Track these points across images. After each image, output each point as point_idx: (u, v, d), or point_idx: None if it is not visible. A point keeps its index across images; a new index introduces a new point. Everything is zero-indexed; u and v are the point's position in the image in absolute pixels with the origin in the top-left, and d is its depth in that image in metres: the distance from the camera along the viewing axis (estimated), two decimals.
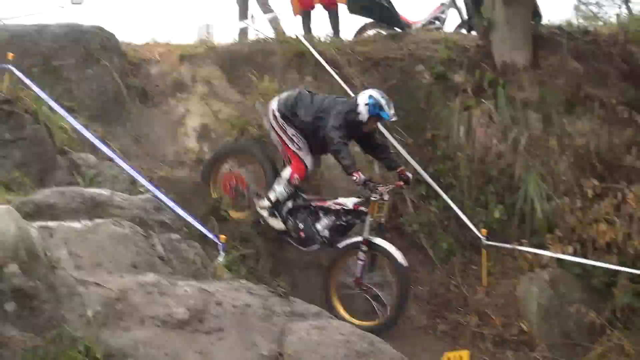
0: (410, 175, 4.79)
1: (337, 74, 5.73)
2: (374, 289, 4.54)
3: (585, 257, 4.90)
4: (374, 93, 4.69)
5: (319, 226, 4.71)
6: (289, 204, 4.83)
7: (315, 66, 5.95)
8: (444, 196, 5.19)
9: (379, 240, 4.53)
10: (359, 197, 4.71)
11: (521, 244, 4.95)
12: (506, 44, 5.59)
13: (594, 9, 8.15)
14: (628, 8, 7.92)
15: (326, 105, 4.65)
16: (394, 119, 4.73)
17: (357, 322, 4.25)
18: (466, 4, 6.81)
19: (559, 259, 4.92)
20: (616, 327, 4.76)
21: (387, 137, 5.23)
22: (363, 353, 3.24)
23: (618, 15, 7.32)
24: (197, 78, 6.10)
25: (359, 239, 4.54)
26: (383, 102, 4.57)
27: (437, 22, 7.12)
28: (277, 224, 4.81)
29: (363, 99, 4.59)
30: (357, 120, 4.56)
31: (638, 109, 5.39)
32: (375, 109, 4.57)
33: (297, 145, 4.73)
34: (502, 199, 5.26)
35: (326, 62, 5.80)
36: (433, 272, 5.16)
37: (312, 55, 5.85)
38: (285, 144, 4.75)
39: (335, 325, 3.52)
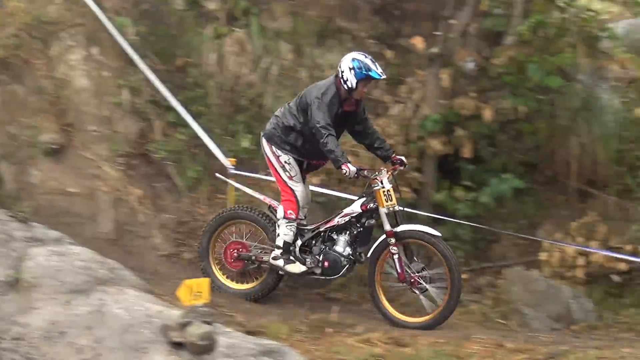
0: (403, 158, 7.78)
1: None
2: (422, 280, 7.36)
3: (328, 185, 8.83)
4: (357, 55, 7.38)
5: (338, 248, 7.50)
6: (298, 243, 7.60)
7: None
8: (193, 124, 8.67)
9: (402, 227, 7.31)
10: (362, 197, 7.52)
11: (267, 174, 8.54)
12: None
13: None
14: None
15: (304, 99, 7.30)
16: (384, 76, 7.41)
17: (420, 319, 7.41)
18: None
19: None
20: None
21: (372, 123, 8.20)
22: (103, 279, 5.19)
23: None
24: None
25: (382, 236, 7.32)
26: (369, 61, 7.23)
27: None
28: (297, 268, 7.53)
29: (346, 63, 7.22)
30: (342, 94, 7.27)
31: (387, 43, 9.58)
32: (362, 71, 7.21)
33: (289, 173, 7.49)
34: (251, 129, 8.98)
35: None
36: (180, 201, 8.74)
37: None
38: (277, 172, 7.55)
39: (75, 251, 5.37)
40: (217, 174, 8.97)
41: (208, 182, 9.11)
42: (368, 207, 7.44)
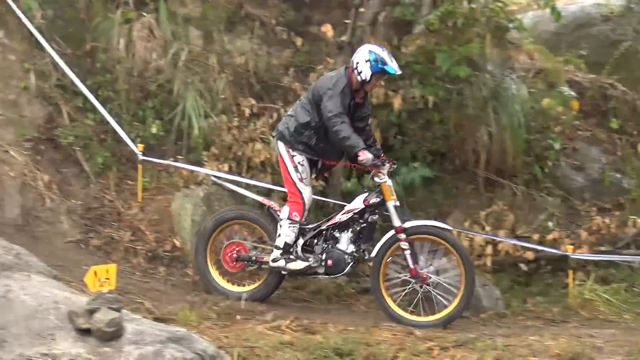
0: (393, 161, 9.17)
1: None
2: (433, 276, 8.70)
3: (240, 175, 10.51)
4: (373, 47, 8.73)
5: (341, 246, 8.84)
6: (300, 242, 8.92)
7: None
8: (102, 109, 10.53)
9: (411, 223, 8.65)
10: (364, 192, 8.98)
11: (177, 160, 10.52)
12: None
13: None
14: None
15: (316, 92, 8.67)
16: (399, 72, 8.73)
17: (433, 317, 8.82)
18: None
19: (215, 177, 10.32)
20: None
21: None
22: (9, 265, 5.64)
23: None
24: None
25: (391, 232, 8.65)
26: (385, 55, 8.53)
27: None
28: (298, 264, 8.85)
29: (362, 55, 8.56)
30: (353, 85, 8.70)
31: (296, 30, 11.52)
32: (378, 65, 8.50)
33: (300, 175, 8.83)
34: (160, 115, 10.81)
35: None
36: (88, 187, 10.44)
37: None
38: (288, 173, 8.90)
39: None
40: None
41: (117, 168, 10.70)
42: (370, 202, 8.84)
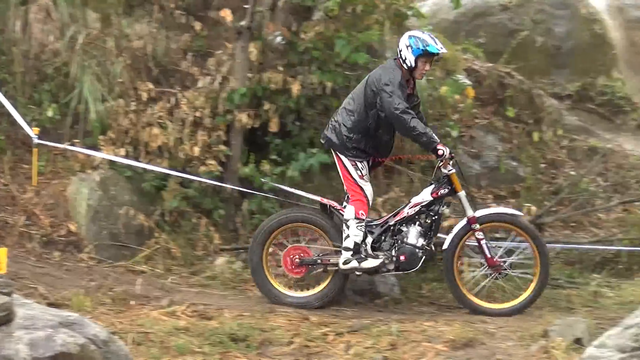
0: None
1: None
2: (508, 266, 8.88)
3: (137, 159, 10.63)
4: (413, 32, 8.85)
5: (411, 240, 8.80)
6: (369, 240, 8.87)
7: None
8: None
9: (481, 212, 8.78)
10: (431, 184, 8.94)
11: (73, 144, 10.57)
12: None
13: None
14: None
15: (369, 91, 8.72)
16: (443, 50, 8.78)
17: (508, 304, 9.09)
18: None
19: (111, 161, 10.60)
20: (164, 230, 10.63)
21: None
22: None
23: None
24: None
25: (463, 222, 8.82)
26: (426, 36, 8.61)
27: None
28: (371, 263, 8.83)
29: (403, 42, 8.68)
30: (404, 74, 8.64)
31: (195, 14, 11.64)
32: (419, 47, 8.53)
33: (360, 172, 8.82)
34: (56, 98, 10.83)
35: None
36: None
37: None
38: (348, 172, 8.90)
39: None
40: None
41: (11, 152, 10.73)
42: (439, 193, 8.88)
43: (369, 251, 8.82)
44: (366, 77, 9.09)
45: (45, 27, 11.42)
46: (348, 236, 8.78)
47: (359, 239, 8.74)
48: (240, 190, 11.27)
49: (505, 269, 8.92)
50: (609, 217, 13.23)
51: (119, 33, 11.71)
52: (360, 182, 8.83)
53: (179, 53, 12.09)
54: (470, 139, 13.66)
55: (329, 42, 11.75)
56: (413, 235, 8.80)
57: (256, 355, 8.35)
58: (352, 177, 8.89)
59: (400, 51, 8.79)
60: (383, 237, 8.98)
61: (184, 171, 11.07)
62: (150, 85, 11.58)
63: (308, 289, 9.42)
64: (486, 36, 16.01)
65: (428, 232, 8.85)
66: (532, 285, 8.97)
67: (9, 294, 5.14)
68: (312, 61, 11.80)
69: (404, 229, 8.89)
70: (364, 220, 8.78)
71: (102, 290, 9.45)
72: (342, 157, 8.90)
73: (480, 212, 8.75)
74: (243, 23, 11.49)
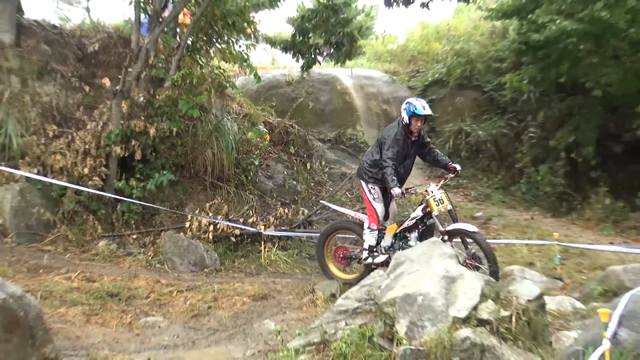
0: (457, 166, 9.02)
1: None
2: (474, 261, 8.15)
3: (45, 176, 11.14)
4: (410, 100, 8.88)
5: (411, 243, 8.70)
6: (383, 243, 9.01)
7: None
8: None
9: (452, 226, 8.36)
10: (421, 203, 8.76)
11: (1, 165, 11.16)
12: None
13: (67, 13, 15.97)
14: (88, 12, 15.97)
15: (381, 140, 8.90)
16: (426, 112, 8.55)
17: None
18: None
19: (27, 177, 11.07)
20: (64, 223, 11.23)
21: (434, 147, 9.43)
22: None
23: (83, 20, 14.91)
24: None
25: (439, 235, 8.32)
26: (415, 102, 8.66)
27: None
28: (381, 258, 8.87)
29: (403, 107, 8.75)
30: (405, 128, 8.73)
31: (86, 80, 12.38)
32: (410, 110, 8.62)
33: (373, 196, 9.02)
34: None
35: None
36: None
37: None
38: (366, 195, 9.08)
39: None
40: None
41: None
42: (427, 211, 8.67)
43: (381, 250, 9.03)
44: (382, 130, 9.43)
45: None
46: (365, 240, 9.11)
47: (372, 243, 9.03)
48: (115, 198, 11.70)
49: (474, 265, 8.24)
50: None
51: (34, 92, 12.04)
52: (373, 202, 9.07)
53: (74, 106, 12.43)
54: (266, 166, 14.33)
55: (175, 102, 12.33)
56: (412, 240, 8.87)
57: (125, 305, 8.81)
58: (368, 199, 9.12)
59: (401, 113, 8.89)
60: (394, 240, 9.08)
61: (77, 184, 11.45)
62: (55, 127, 11.96)
63: (351, 273, 9.68)
64: (276, 101, 17.03)
65: (421, 238, 8.69)
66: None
67: None
68: (163, 114, 12.36)
69: (407, 235, 9.00)
70: (374, 229, 9.05)
71: (19, 263, 9.69)
72: (363, 183, 9.17)
73: (449, 227, 8.48)
74: (117, 87, 11.95)
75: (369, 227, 8.99)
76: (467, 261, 8.00)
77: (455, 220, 8.57)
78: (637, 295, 3.95)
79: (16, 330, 5.59)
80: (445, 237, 8.26)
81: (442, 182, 8.76)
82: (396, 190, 8.31)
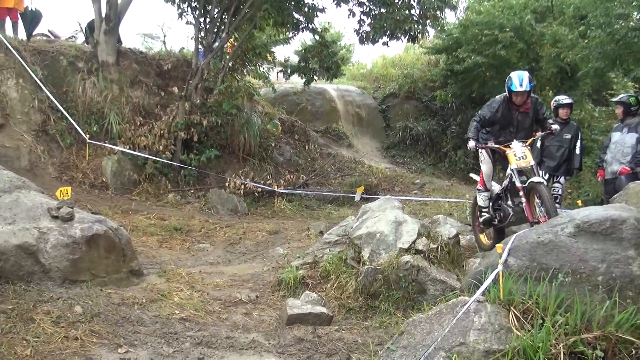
0: (554, 127, 6.14)
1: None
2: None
3: (134, 150, 11.17)
4: (511, 74, 6.17)
5: (507, 202, 6.17)
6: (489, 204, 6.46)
7: None
8: (70, 118, 11.02)
9: (531, 179, 5.69)
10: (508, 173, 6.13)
11: (105, 142, 11.25)
12: (104, 51, 11.88)
13: (150, 44, 15.94)
14: (164, 44, 15.94)
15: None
16: (520, 88, 5.88)
17: None
18: (86, 31, 12.85)
19: (122, 151, 11.07)
20: (145, 182, 11.13)
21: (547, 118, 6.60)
22: (19, 186, 5.65)
23: (160, 48, 14.86)
24: None
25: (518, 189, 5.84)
26: (513, 77, 5.99)
27: (73, 38, 13.27)
28: (483, 217, 6.47)
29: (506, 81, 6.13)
30: (508, 101, 6.16)
31: (162, 88, 12.24)
32: (508, 85, 6.08)
33: (480, 158, 6.52)
34: (97, 122, 11.21)
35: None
36: (62, 154, 10.67)
37: None
38: (478, 158, 6.63)
39: (5, 172, 5.84)
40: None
41: (75, 145, 10.78)
42: (510, 169, 6.04)
43: (489, 210, 6.53)
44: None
45: (94, 90, 11.58)
46: (478, 200, 6.77)
47: (481, 203, 6.65)
48: (180, 165, 11.63)
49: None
50: (336, 180, 14.14)
51: (127, 95, 11.89)
52: (481, 164, 6.59)
53: (154, 105, 12.32)
54: (279, 147, 14.20)
55: (220, 103, 12.21)
56: (508, 198, 6.30)
57: (185, 236, 8.80)
58: (479, 161, 6.69)
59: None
60: (500, 201, 6.52)
61: (155, 156, 11.33)
62: (141, 118, 11.85)
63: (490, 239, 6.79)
64: (286, 105, 16.77)
65: (512, 199, 6.21)
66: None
67: (71, 207, 5.51)
68: (212, 111, 12.18)
69: (503, 195, 6.41)
70: (482, 190, 6.63)
71: (116, 207, 9.60)
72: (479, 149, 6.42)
73: (529, 181, 5.89)
74: (182, 93, 11.93)
75: (477, 189, 6.74)
76: (541, 218, 5.47)
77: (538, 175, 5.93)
78: (520, 235, 3.98)
79: (113, 251, 5.63)
80: (521, 193, 5.90)
81: (530, 140, 6.16)
82: (470, 143, 6.09)
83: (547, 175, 7.92)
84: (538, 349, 3.07)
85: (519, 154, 5.95)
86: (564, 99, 8.10)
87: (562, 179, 8.06)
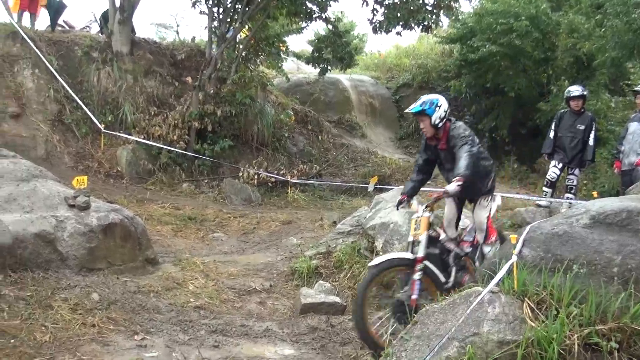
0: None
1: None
2: None
3: (148, 140, 11.22)
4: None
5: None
6: None
7: None
8: (85, 108, 11.10)
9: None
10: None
11: (120, 132, 11.54)
12: (118, 41, 11.94)
13: (164, 34, 16.05)
14: (177, 34, 15.94)
15: None
16: (412, 110, 4.51)
17: None
18: (100, 21, 12.93)
19: (137, 141, 11.13)
20: (160, 171, 11.16)
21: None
22: (36, 175, 5.76)
23: (174, 38, 14.86)
24: None
25: None
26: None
27: (87, 28, 13.37)
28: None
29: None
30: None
31: (176, 78, 12.28)
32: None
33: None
34: (112, 112, 11.31)
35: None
36: (77, 143, 10.80)
37: None
38: None
39: (23, 161, 5.96)
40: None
41: (91, 135, 10.98)
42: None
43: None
44: None
45: (109, 80, 11.65)
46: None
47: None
48: (194, 155, 11.67)
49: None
50: (350, 170, 14.11)
51: (141, 85, 12.00)
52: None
53: (168, 95, 12.36)
54: (292, 137, 14.18)
55: (233, 93, 12.22)
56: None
57: (199, 225, 8.87)
58: None
59: None
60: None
61: (169, 146, 11.36)
62: (155, 108, 11.90)
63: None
64: (299, 95, 16.67)
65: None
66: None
67: (88, 196, 5.60)
68: (226, 101, 12.17)
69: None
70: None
71: (131, 197, 9.63)
72: None
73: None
74: (196, 83, 11.88)
75: None
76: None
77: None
78: (534, 226, 3.96)
79: (129, 239, 5.71)
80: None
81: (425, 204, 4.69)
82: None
83: (561, 165, 7.92)
84: (552, 340, 3.05)
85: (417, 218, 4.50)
86: (574, 90, 7.87)
87: (576, 171, 7.96)
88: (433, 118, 4.56)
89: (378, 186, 10.75)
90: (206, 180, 11.62)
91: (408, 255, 4.30)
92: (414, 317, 3.69)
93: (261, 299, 5.51)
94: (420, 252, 4.25)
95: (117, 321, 4.34)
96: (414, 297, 4.15)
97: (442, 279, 4.30)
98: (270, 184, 11.84)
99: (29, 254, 4.74)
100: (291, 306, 5.32)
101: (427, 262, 4.26)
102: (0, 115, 10.33)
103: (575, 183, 7.96)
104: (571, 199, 7.74)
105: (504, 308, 3.33)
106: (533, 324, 3.18)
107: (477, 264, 4.68)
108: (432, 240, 4.51)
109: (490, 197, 4.83)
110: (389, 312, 4.23)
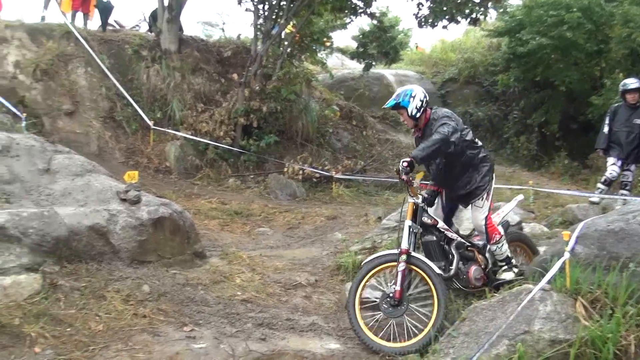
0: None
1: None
2: None
3: (196, 136, 11.39)
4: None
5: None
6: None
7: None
8: (135, 106, 11.46)
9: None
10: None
11: (168, 128, 11.66)
12: (167, 40, 12.21)
13: (210, 32, 16.27)
14: (224, 31, 16.08)
15: None
16: (389, 105, 4.41)
17: None
18: (149, 20, 13.25)
19: (185, 137, 11.37)
20: (207, 167, 11.34)
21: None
22: (90, 170, 5.84)
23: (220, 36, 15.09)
24: None
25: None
26: (395, 94, 4.48)
27: (137, 27, 13.71)
28: None
29: None
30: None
31: (222, 75, 12.45)
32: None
33: None
34: (161, 109, 11.58)
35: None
36: (128, 139, 11.13)
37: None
38: None
39: (77, 157, 5.97)
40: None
41: (141, 131, 11.29)
42: None
43: None
44: None
45: (157, 78, 11.93)
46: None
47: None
48: (240, 151, 11.80)
49: None
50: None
51: (189, 82, 12.23)
52: None
53: (215, 92, 12.55)
54: (337, 133, 14.12)
55: (279, 90, 12.26)
56: None
57: (245, 220, 8.96)
58: None
59: None
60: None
61: (216, 142, 11.52)
62: (202, 105, 12.08)
63: None
64: (344, 90, 16.68)
65: None
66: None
67: (139, 191, 5.64)
68: (271, 97, 12.24)
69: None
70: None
71: (180, 191, 9.83)
72: None
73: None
74: (242, 80, 12.04)
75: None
76: None
77: None
78: (588, 223, 3.85)
79: (178, 233, 5.76)
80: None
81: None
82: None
83: (621, 163, 7.63)
84: (607, 339, 2.98)
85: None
86: (631, 83, 7.58)
87: (632, 167, 7.71)
88: (409, 109, 4.46)
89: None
90: (252, 176, 11.71)
91: (395, 250, 4.29)
92: (402, 308, 3.91)
93: (307, 293, 5.53)
94: (404, 243, 4.19)
95: (167, 312, 4.42)
96: (397, 288, 4.13)
97: (435, 268, 4.15)
98: (314, 180, 11.82)
99: (83, 246, 4.85)
100: (337, 301, 5.32)
101: (412, 252, 4.21)
102: (56, 112, 10.74)
103: (630, 179, 7.73)
104: (626, 195, 7.50)
105: (555, 306, 3.28)
106: (587, 323, 3.13)
107: (489, 262, 4.60)
108: (428, 227, 4.46)
109: (484, 196, 4.67)
110: (378, 305, 4.26)
